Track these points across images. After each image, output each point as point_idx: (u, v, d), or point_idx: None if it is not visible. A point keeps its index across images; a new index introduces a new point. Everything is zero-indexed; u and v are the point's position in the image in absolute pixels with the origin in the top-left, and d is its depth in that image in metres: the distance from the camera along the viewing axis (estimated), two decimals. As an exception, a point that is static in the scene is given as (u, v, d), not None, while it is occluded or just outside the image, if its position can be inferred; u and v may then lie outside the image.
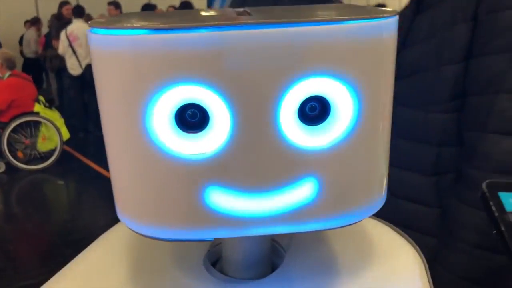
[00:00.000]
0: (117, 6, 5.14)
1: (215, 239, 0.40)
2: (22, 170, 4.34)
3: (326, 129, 0.36)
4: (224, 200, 0.36)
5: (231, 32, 0.32)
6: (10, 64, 4.32)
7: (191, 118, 0.35)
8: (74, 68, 5.27)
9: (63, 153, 4.61)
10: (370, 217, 0.53)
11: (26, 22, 7.75)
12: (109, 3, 5.14)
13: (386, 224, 0.56)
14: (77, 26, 5.11)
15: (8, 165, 4.34)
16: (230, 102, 0.34)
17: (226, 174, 0.36)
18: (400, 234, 0.54)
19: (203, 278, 0.47)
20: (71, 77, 5.39)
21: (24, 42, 7.59)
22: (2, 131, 4.25)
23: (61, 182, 4.21)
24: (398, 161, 0.79)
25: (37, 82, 7.71)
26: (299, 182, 0.37)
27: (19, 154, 4.38)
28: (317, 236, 0.52)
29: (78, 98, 5.55)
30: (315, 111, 0.36)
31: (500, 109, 0.72)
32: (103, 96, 0.37)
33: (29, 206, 3.68)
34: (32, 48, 7.48)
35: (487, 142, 0.73)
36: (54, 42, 5.61)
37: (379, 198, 0.42)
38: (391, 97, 0.40)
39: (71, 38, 5.07)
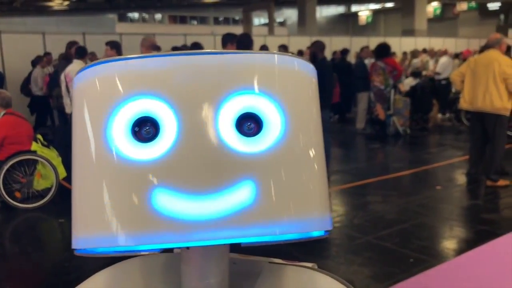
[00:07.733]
0: (113, 46, 4.94)
1: None
2: (18, 208, 4.29)
3: (260, 140, 0.45)
4: (169, 202, 0.42)
5: (176, 57, 0.43)
6: (4, 103, 4.38)
7: (147, 135, 0.44)
8: (69, 107, 5.24)
9: (64, 190, 4.54)
10: (328, 275, 0.59)
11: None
12: (106, 43, 5.02)
13: (342, 282, 0.59)
14: (73, 68, 5.04)
15: (4, 203, 4.30)
16: (176, 110, 0.43)
17: (171, 176, 0.42)
18: None
19: None
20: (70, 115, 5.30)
21: (32, 80, 7.73)
22: (-2, 169, 4.22)
23: (61, 220, 4.11)
24: None
25: (43, 119, 7.81)
26: (238, 184, 0.43)
27: (17, 195, 4.36)
28: None
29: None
30: (251, 130, 0.45)
31: None
32: (77, 118, 0.46)
33: (26, 245, 3.60)
34: (38, 85, 7.61)
35: None
36: (60, 81, 5.60)
37: (322, 215, 0.46)
38: (317, 117, 0.49)
39: (67, 79, 5.03)
